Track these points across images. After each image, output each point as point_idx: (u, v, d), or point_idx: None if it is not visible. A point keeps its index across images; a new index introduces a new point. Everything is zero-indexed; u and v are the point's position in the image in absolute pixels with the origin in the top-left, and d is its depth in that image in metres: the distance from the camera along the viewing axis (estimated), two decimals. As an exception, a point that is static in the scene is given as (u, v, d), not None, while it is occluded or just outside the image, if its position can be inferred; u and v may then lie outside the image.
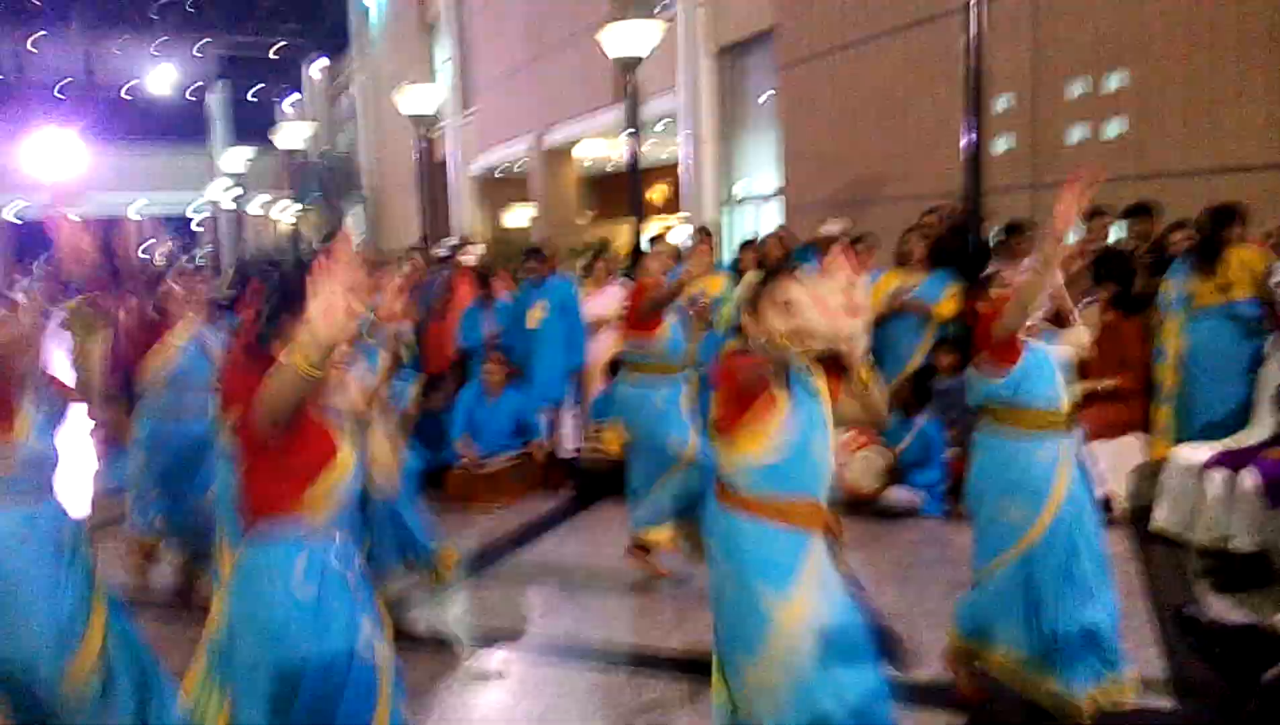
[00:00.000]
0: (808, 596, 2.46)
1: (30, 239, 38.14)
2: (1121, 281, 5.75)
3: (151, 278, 5.22)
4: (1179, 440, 5.38)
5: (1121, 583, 4.61)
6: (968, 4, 6.54)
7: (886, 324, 6.48)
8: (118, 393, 6.34)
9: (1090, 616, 3.21)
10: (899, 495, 5.79)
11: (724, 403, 2.54)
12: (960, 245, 6.70)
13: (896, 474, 5.79)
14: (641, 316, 4.73)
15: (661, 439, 4.71)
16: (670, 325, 4.77)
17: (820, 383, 2.59)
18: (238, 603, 2.29)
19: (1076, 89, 8.43)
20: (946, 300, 6.39)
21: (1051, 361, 3.29)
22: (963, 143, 6.84)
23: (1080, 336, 3.53)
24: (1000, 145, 8.81)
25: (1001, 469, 3.31)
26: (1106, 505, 5.68)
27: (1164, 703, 3.54)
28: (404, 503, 4.44)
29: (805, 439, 2.51)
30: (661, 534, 4.81)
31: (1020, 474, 3.25)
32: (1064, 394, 3.29)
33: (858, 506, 5.86)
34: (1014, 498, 3.26)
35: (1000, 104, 8.77)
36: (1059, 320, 3.53)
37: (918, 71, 9.56)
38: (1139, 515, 5.48)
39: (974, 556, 3.47)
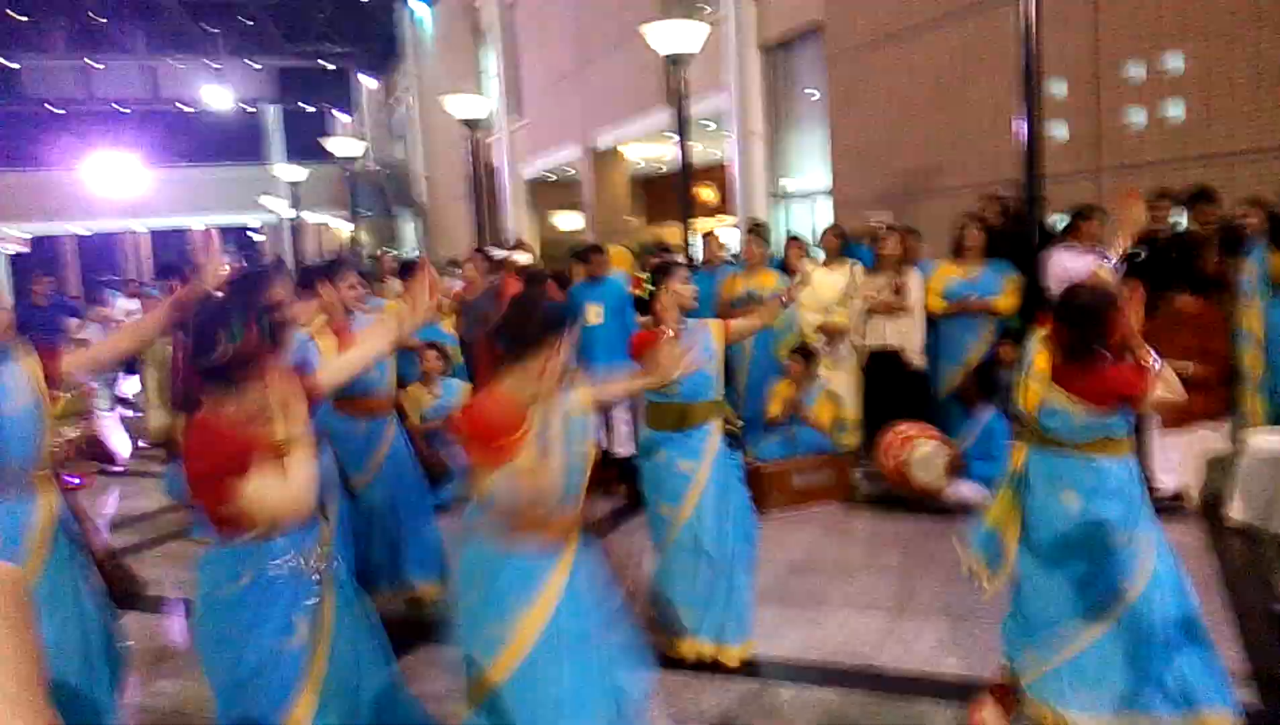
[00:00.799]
0: (549, 605, 2.49)
1: (97, 252, 39.28)
2: (1187, 265, 5.57)
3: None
4: (1270, 425, 5.18)
5: (1197, 578, 4.47)
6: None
7: (946, 317, 6.38)
8: (181, 402, 6.49)
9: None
10: (963, 490, 5.66)
11: (477, 438, 2.48)
12: (1016, 234, 6.56)
13: (961, 469, 5.67)
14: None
15: None
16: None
17: (581, 392, 2.68)
18: (197, 598, 2.45)
19: (1136, 71, 8.21)
20: (1006, 293, 6.24)
21: None
22: (1019, 130, 6.69)
23: (1175, 390, 3.02)
24: (1059, 131, 8.62)
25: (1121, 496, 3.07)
26: (1178, 498, 5.52)
27: (1246, 699, 3.41)
28: (409, 522, 4.44)
29: (569, 451, 2.56)
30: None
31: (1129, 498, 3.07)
32: None
33: (921, 503, 5.77)
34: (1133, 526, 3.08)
35: (1057, 89, 8.59)
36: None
37: (970, 60, 9.40)
38: (1214, 507, 5.29)
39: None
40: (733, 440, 4.06)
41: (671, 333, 3.76)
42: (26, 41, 32.42)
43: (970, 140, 9.49)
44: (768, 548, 5.23)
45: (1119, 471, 3.03)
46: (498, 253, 8.53)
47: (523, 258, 8.07)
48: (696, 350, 3.60)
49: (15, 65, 34.87)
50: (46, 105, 38.74)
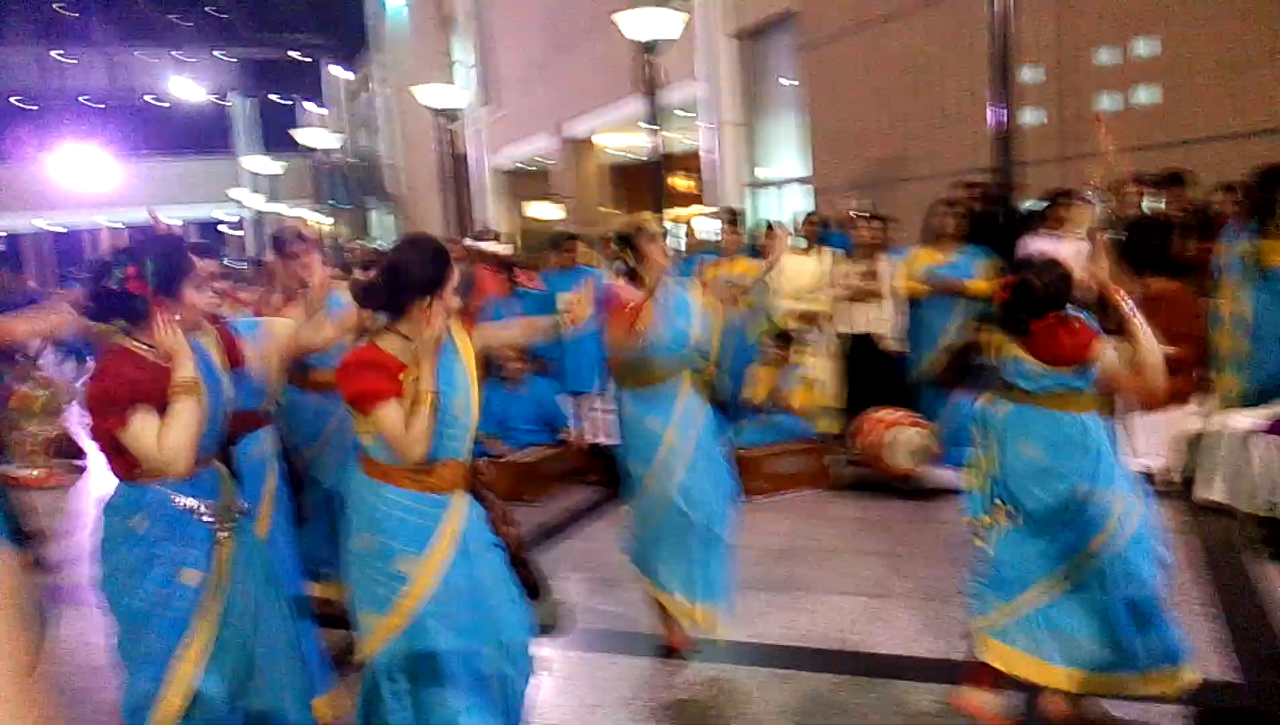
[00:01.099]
0: (444, 556, 2.60)
1: (69, 247, 38.68)
2: (1161, 248, 5.61)
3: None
4: (1246, 406, 5.23)
5: (1179, 557, 4.52)
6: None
7: (921, 302, 6.40)
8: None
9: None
10: (939, 474, 5.70)
11: (356, 378, 2.60)
12: (992, 220, 6.59)
13: (938, 453, 5.70)
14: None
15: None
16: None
17: (464, 339, 2.74)
18: (98, 535, 2.57)
19: (1104, 58, 8.27)
20: (981, 276, 6.27)
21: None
22: (991, 117, 6.72)
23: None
24: (1029, 118, 8.66)
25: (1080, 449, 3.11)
26: (1159, 478, 5.57)
27: (1226, 676, 3.45)
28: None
29: (444, 401, 2.60)
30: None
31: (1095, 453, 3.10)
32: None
33: (900, 487, 5.79)
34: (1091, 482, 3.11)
35: (1028, 76, 8.62)
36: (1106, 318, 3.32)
37: (943, 47, 9.43)
38: (1190, 487, 5.36)
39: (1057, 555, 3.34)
40: (714, 404, 4.05)
41: (651, 292, 3.71)
42: (-14, 31, 31.83)
43: (944, 127, 9.52)
44: (748, 534, 5.23)
45: (1079, 425, 3.07)
46: (478, 244, 8.48)
47: (493, 247, 8.02)
48: (654, 307, 3.66)
49: (-26, 56, 34.26)
50: (10, 96, 38.05)
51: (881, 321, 6.45)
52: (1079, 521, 3.02)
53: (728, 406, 6.24)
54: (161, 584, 2.48)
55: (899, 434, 5.66)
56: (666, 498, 3.75)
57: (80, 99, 38.44)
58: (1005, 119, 6.57)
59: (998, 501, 3.19)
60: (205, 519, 2.56)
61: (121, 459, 2.50)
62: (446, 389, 2.63)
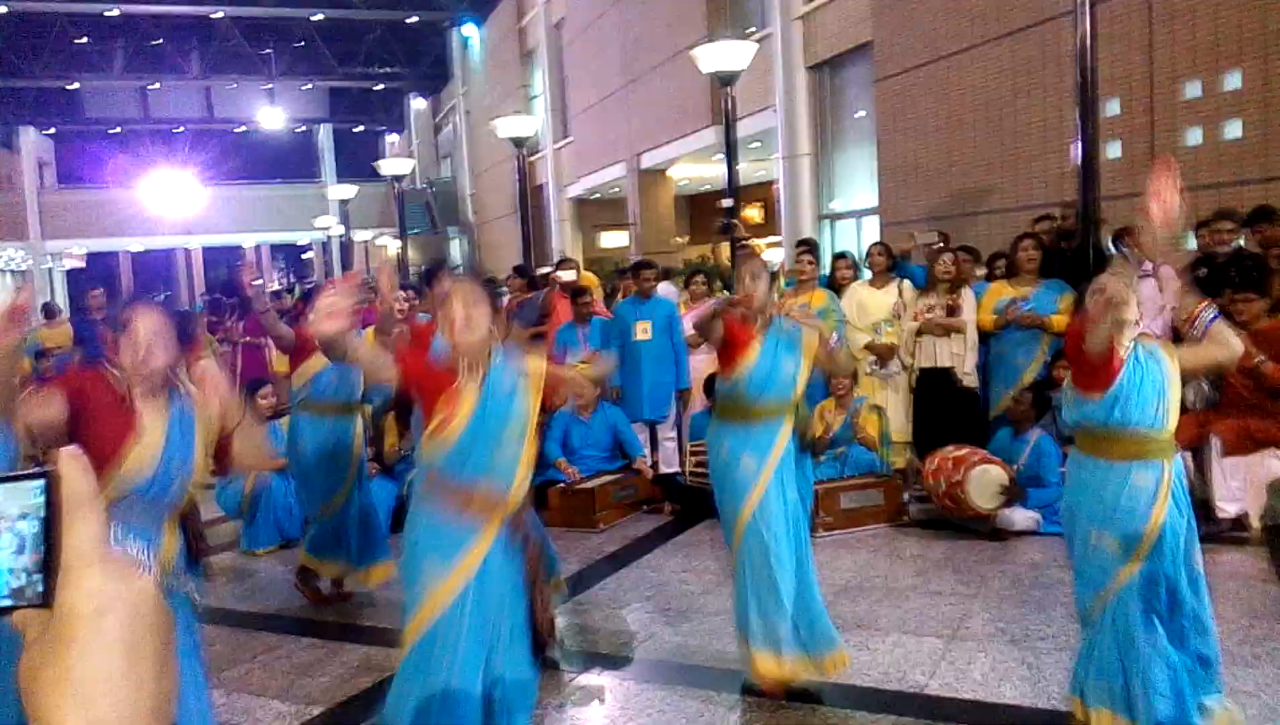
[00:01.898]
0: (460, 580, 2.71)
1: (150, 268, 40.06)
2: (1257, 286, 5.44)
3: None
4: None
5: (1259, 605, 4.34)
6: (1076, 7, 6.29)
7: (999, 336, 6.29)
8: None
9: (1201, 647, 3.03)
10: (1016, 514, 5.56)
11: (426, 392, 2.79)
12: (1073, 254, 6.46)
13: (1014, 491, 5.56)
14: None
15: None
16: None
17: (530, 373, 2.84)
18: None
19: (1193, 90, 8.07)
20: (1062, 311, 6.15)
21: (1158, 376, 3.03)
22: (1074, 150, 6.60)
23: (1230, 346, 3.14)
24: (1113, 151, 8.49)
25: (1095, 496, 3.10)
26: (1240, 525, 5.37)
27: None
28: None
29: (477, 427, 2.71)
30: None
31: (1114, 502, 3.04)
32: (1168, 415, 3.05)
33: (972, 526, 5.67)
34: (1107, 528, 3.06)
35: (1112, 108, 8.46)
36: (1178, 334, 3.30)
37: (1021, 79, 9.31)
38: (1275, 532, 5.16)
39: (1075, 594, 3.30)
40: (806, 445, 4.00)
41: (755, 329, 3.71)
42: (87, 63, 33.30)
43: (1021, 160, 9.38)
44: (817, 569, 5.17)
45: (1085, 465, 3.14)
46: (543, 270, 8.60)
47: (567, 274, 8.10)
48: (761, 346, 3.64)
49: (76, 86, 35.85)
50: (106, 125, 39.77)
51: (959, 356, 6.34)
52: (1090, 562, 3.15)
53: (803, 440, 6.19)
54: None
55: (976, 472, 5.54)
56: (760, 540, 3.65)
57: (175, 128, 40.03)
58: (1087, 153, 6.43)
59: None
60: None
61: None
62: (500, 412, 2.72)
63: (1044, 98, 9.03)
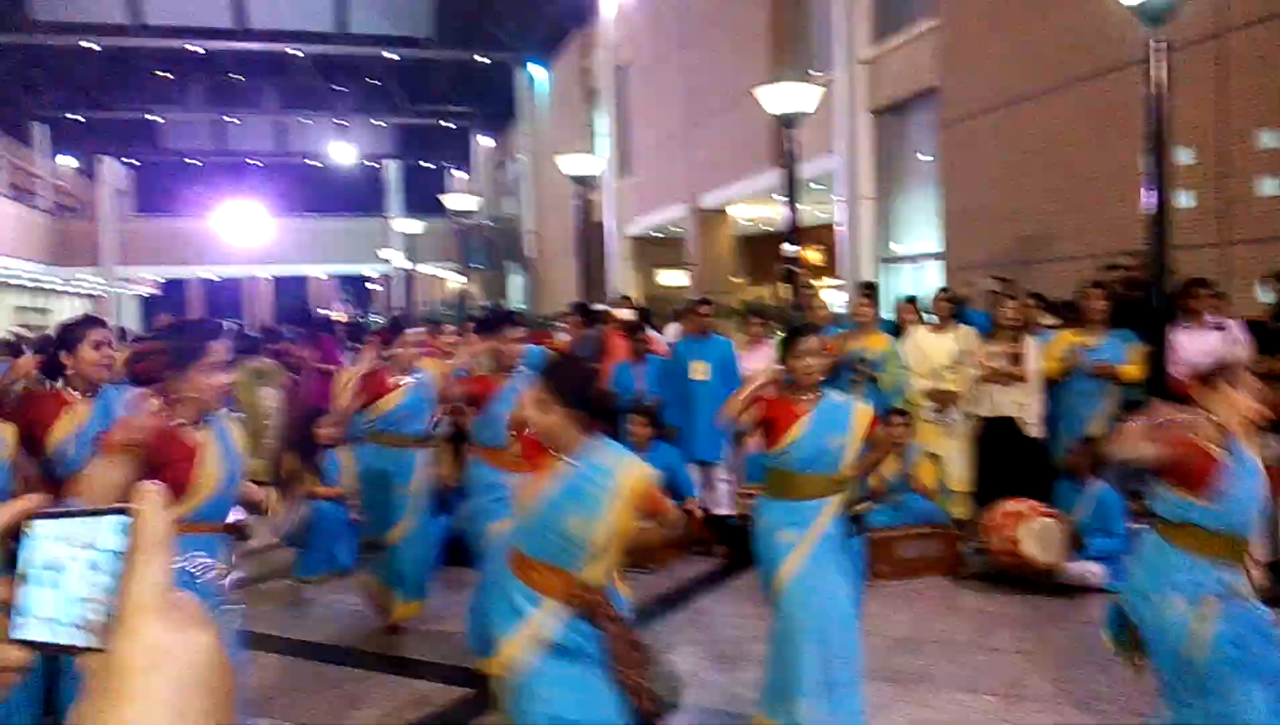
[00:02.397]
0: (519, 651, 2.70)
1: (221, 296, 40.98)
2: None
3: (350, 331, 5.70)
4: None
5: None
6: (1149, 54, 6.19)
7: (1066, 386, 6.15)
8: (297, 442, 6.67)
9: None
10: (1079, 569, 5.40)
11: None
12: (1141, 304, 6.32)
13: (1077, 544, 5.41)
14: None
15: None
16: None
17: (622, 489, 2.80)
18: None
19: (1267, 140, 7.88)
20: (1132, 362, 6.01)
21: (1255, 477, 2.92)
22: (1145, 198, 6.47)
23: None
24: (1184, 200, 8.30)
25: (1163, 577, 2.97)
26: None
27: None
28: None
29: (546, 507, 2.72)
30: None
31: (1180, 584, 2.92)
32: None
33: (1033, 581, 5.52)
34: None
35: (1184, 157, 8.29)
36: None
37: (1090, 125, 9.18)
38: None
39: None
40: (853, 524, 3.85)
41: (805, 404, 3.61)
42: (168, 97, 34.50)
43: (1088, 208, 9.23)
44: (873, 620, 5.06)
45: (1168, 557, 2.95)
46: (611, 309, 8.65)
47: (624, 313, 8.13)
48: (808, 423, 3.53)
49: (158, 119, 37.14)
50: (183, 156, 41.07)
51: (1023, 405, 6.21)
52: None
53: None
54: None
55: (1033, 526, 5.40)
56: (787, 616, 3.55)
57: (248, 160, 41.23)
58: (1160, 201, 6.31)
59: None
60: (206, 582, 2.66)
61: None
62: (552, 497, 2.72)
63: (1112, 145, 8.89)
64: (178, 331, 2.85)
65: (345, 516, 6.53)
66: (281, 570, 6.54)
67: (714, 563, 6.49)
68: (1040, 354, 6.22)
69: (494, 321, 4.99)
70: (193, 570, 2.63)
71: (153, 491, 0.58)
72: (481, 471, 4.62)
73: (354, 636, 5.20)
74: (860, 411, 3.68)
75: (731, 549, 6.54)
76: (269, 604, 5.77)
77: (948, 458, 6.52)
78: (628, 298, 9.11)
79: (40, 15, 26.70)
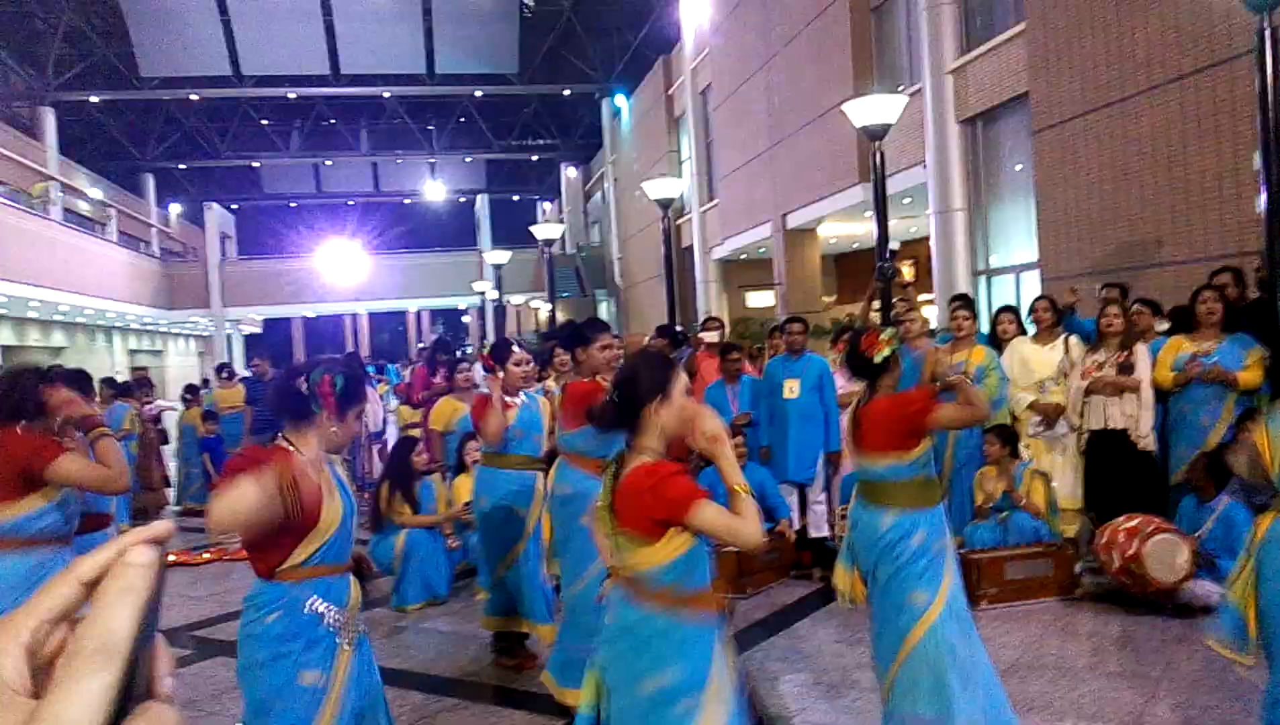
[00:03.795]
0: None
1: (320, 332, 42.17)
2: None
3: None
4: None
5: None
6: (1260, 45, 5.88)
7: (1180, 396, 5.83)
8: (393, 471, 6.75)
9: None
10: (1204, 589, 5.08)
11: (668, 485, 2.49)
12: (1260, 309, 5.97)
13: (1200, 564, 5.10)
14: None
15: None
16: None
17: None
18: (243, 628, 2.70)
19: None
20: (1250, 367, 5.67)
21: None
22: (1261, 197, 6.13)
23: None
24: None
25: None
26: None
27: None
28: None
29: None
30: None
31: None
32: None
33: (1153, 602, 5.23)
34: None
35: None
36: None
37: (1193, 124, 8.79)
38: None
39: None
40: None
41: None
42: (267, 143, 35.91)
43: (1194, 210, 8.82)
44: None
45: None
46: (701, 332, 8.58)
47: (710, 336, 8.05)
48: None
49: (257, 165, 38.62)
50: (282, 200, 42.64)
51: (1133, 417, 5.91)
52: None
53: (954, 508, 5.88)
54: (284, 681, 2.59)
55: (1154, 542, 5.11)
56: (960, 630, 3.32)
57: (345, 201, 42.58)
58: (1274, 200, 5.96)
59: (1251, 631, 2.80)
60: (332, 625, 2.66)
61: (264, 556, 2.63)
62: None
63: (1218, 144, 8.50)
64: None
65: (441, 545, 6.58)
66: (378, 599, 6.61)
67: (812, 586, 6.33)
68: (1150, 362, 5.92)
69: (575, 331, 4.94)
70: (321, 612, 2.64)
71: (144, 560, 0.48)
72: (571, 477, 4.43)
73: (449, 666, 5.20)
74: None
75: (829, 572, 6.37)
76: (369, 630, 5.83)
77: (1056, 474, 6.24)
78: (715, 318, 9.02)
79: (146, 72, 28.08)
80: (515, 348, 5.10)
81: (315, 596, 2.62)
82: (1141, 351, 5.94)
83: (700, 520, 2.40)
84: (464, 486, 6.77)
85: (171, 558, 8.40)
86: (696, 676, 2.44)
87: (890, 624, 3.34)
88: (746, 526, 2.41)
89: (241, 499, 2.45)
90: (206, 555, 8.20)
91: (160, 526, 0.50)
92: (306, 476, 2.62)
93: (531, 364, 5.17)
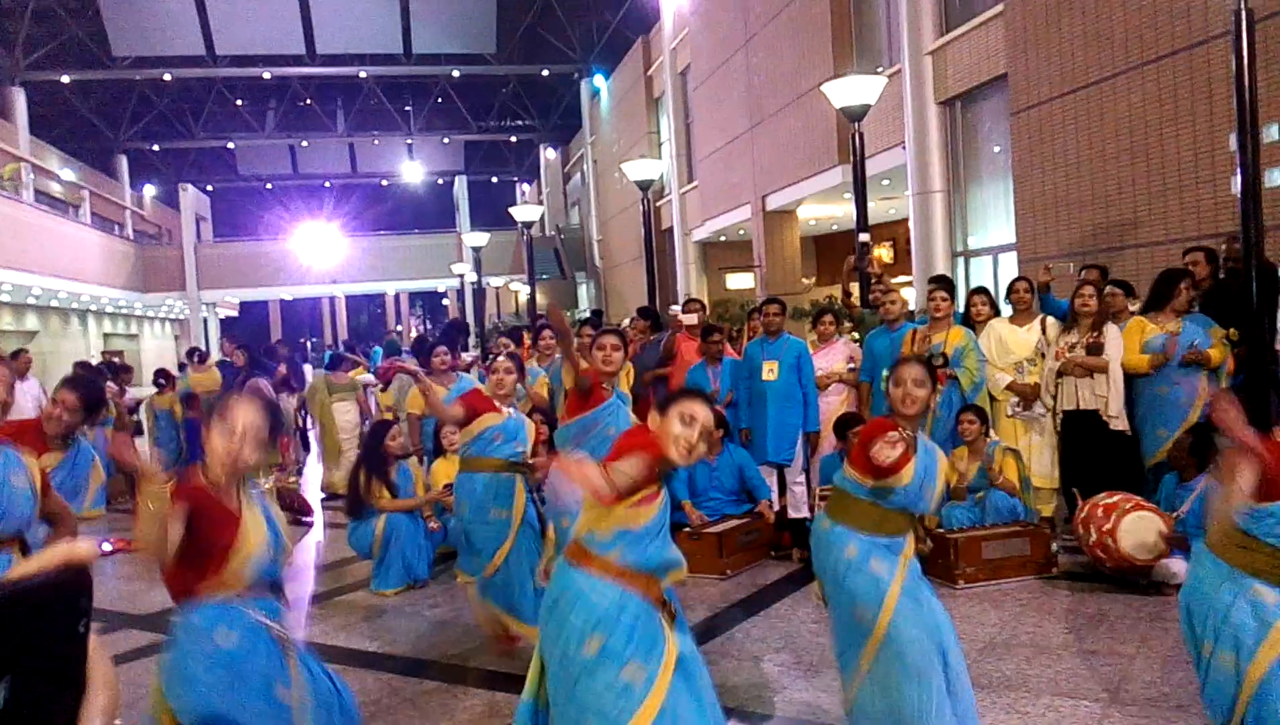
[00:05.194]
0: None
1: (297, 315, 41.84)
2: None
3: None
4: None
5: None
6: (1234, 27, 5.90)
7: (1155, 377, 5.88)
8: (369, 455, 6.71)
9: None
10: (1176, 565, 5.14)
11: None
12: (1235, 290, 6.02)
13: (1176, 542, 5.15)
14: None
15: None
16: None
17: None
18: (170, 654, 2.63)
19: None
20: (1215, 345, 5.74)
21: None
22: (1236, 179, 6.17)
23: None
24: (1275, 179, 7.92)
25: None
26: None
27: None
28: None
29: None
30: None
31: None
32: None
33: (1129, 580, 5.28)
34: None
35: (1271, 134, 7.91)
36: None
37: (1170, 106, 8.83)
38: None
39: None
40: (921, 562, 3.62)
41: (902, 436, 3.26)
42: (242, 124, 35.51)
43: (1171, 191, 8.87)
44: (959, 624, 4.86)
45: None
46: (673, 309, 8.56)
47: (689, 318, 8.03)
48: (914, 468, 3.27)
49: (232, 146, 38.18)
50: (258, 182, 42.20)
51: (1103, 397, 5.95)
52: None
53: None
54: (263, 699, 2.56)
55: (1129, 520, 5.16)
56: (899, 655, 3.16)
57: (321, 183, 42.20)
58: (1249, 181, 6.00)
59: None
60: (278, 638, 2.64)
61: (183, 577, 2.60)
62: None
63: (1193, 125, 8.54)
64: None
65: (422, 528, 6.56)
66: (358, 583, 6.59)
67: (791, 567, 6.35)
68: (1119, 343, 5.96)
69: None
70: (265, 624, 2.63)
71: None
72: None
73: (430, 648, 5.19)
74: (943, 461, 3.44)
75: (809, 552, 6.40)
76: (346, 617, 5.80)
77: (1031, 453, 6.28)
78: (697, 300, 9.01)
79: (118, 51, 27.65)
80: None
81: (255, 610, 2.62)
82: (1112, 332, 5.99)
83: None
84: (441, 470, 6.75)
85: None
86: (636, 645, 2.52)
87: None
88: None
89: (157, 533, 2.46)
90: None
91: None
92: (213, 501, 2.62)
93: (512, 374, 4.98)
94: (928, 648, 3.13)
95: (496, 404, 4.85)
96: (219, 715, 2.53)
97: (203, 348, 13.23)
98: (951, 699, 3.13)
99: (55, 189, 27.15)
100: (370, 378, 10.53)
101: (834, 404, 6.93)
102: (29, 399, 9.48)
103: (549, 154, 36.33)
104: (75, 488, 4.19)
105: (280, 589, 2.80)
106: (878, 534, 3.29)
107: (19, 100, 26.47)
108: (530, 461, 4.94)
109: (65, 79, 28.59)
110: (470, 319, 24.46)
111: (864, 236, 8.53)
